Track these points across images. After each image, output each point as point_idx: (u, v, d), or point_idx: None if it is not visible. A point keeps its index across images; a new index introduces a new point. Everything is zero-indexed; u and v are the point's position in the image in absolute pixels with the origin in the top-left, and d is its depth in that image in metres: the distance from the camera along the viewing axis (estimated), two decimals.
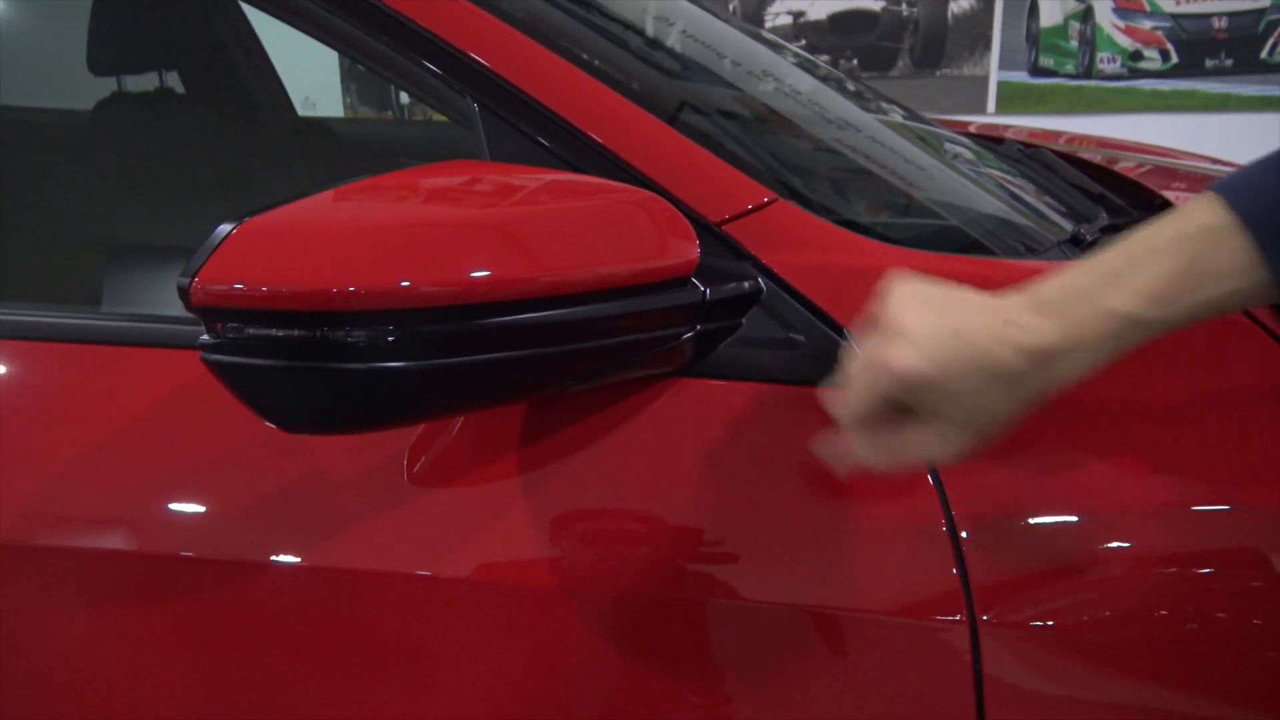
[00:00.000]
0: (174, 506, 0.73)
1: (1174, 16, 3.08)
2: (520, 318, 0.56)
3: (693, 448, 0.69)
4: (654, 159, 0.74)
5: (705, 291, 0.67)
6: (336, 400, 0.54)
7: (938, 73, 3.23)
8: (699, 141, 0.76)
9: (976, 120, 3.25)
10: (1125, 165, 1.54)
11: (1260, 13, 3.05)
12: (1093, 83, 3.17)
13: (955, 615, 0.64)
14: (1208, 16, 3.07)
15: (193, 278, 0.51)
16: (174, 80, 1.95)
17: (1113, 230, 0.99)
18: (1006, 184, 1.12)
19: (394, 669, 0.71)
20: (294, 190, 0.56)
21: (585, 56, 0.79)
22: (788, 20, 3.25)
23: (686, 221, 0.66)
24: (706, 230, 0.71)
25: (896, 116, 1.25)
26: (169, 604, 0.72)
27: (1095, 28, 3.12)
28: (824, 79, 1.24)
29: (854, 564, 0.68)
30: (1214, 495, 0.65)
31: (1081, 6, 3.11)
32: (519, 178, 0.63)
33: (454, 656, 0.70)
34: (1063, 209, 1.11)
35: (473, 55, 0.74)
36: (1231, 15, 3.06)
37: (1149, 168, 1.57)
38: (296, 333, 0.51)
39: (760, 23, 3.25)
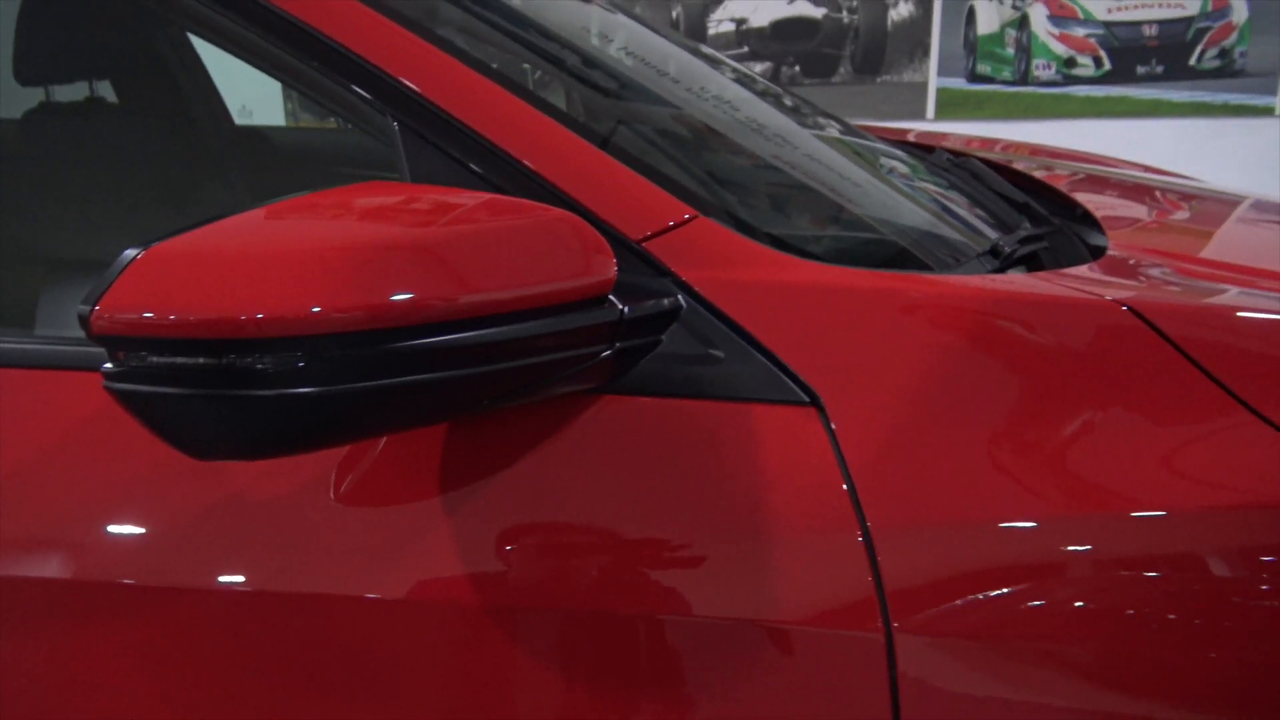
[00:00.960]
0: (101, 531, 0.72)
1: (1106, 24, 3.16)
2: (432, 340, 0.56)
3: (613, 463, 0.69)
4: (573, 176, 0.74)
5: (623, 309, 0.67)
6: (246, 427, 0.53)
7: (878, 79, 3.28)
8: (622, 159, 0.77)
9: (916, 126, 3.30)
10: (1058, 174, 1.57)
11: (1189, 21, 3.13)
12: (1029, 89, 3.24)
13: (871, 622, 0.65)
14: (1139, 24, 3.15)
15: (93, 305, 0.50)
16: (105, 89, 1.92)
17: (1032, 240, 1.02)
18: (936, 196, 1.14)
19: (329, 689, 0.71)
20: (229, 202, 0.55)
21: (505, 73, 0.80)
22: (730, 27, 3.28)
23: (603, 239, 0.66)
24: (626, 247, 0.72)
25: (833, 131, 1.27)
26: (96, 629, 0.71)
27: (1031, 35, 3.18)
28: (760, 94, 1.26)
29: (773, 574, 0.69)
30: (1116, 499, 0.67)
31: (1018, 14, 3.18)
32: (433, 198, 0.63)
33: (386, 675, 0.70)
34: (989, 219, 1.13)
35: (392, 74, 0.74)
36: (1161, 23, 3.14)
37: (1081, 176, 1.60)
38: (201, 360, 0.51)
39: (703, 30, 3.28)
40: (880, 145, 1.32)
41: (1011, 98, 3.25)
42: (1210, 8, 3.11)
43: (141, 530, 0.72)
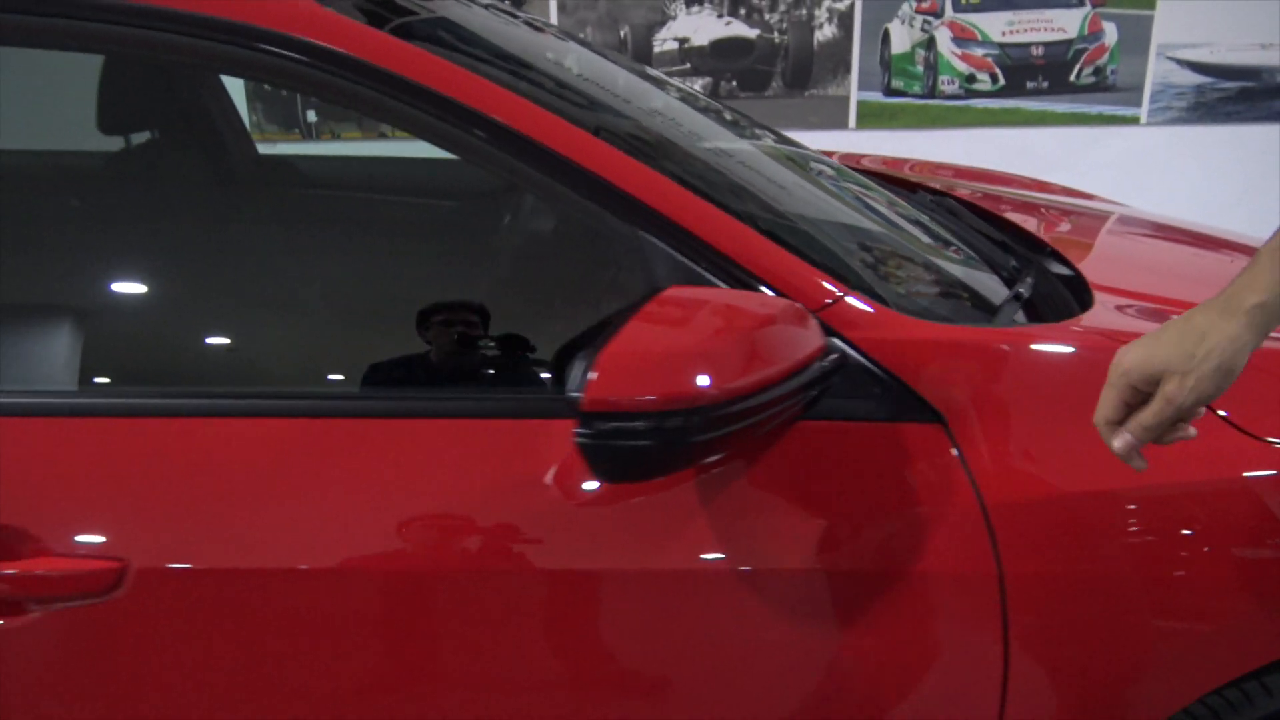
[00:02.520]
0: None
1: (1001, 45, 3.60)
2: (746, 403, 0.89)
3: (816, 463, 1.04)
4: (767, 267, 1.06)
5: (828, 365, 1.01)
6: (650, 463, 0.86)
7: (806, 93, 3.65)
8: (791, 250, 1.09)
9: (839, 135, 3.69)
10: (961, 191, 1.96)
11: (1069, 43, 3.61)
12: (936, 101, 3.67)
13: (988, 565, 1.01)
14: (1027, 45, 3.61)
15: (582, 395, 0.81)
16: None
17: (1042, 282, 1.37)
18: (957, 244, 1.50)
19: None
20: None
21: (709, 188, 1.11)
22: (674, 46, 3.60)
23: (816, 322, 0.99)
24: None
25: (880, 197, 1.61)
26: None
27: (937, 55, 3.60)
28: (839, 177, 1.59)
29: (915, 535, 1.04)
30: None
31: (926, 36, 3.59)
32: (722, 301, 0.95)
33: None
34: (987, 259, 1.49)
35: (642, 199, 1.05)
36: (1047, 45, 3.61)
37: (980, 195, 2.00)
38: (634, 424, 0.82)
39: (649, 48, 3.58)
40: (906, 206, 1.65)
41: (921, 109, 3.68)
42: (1087, 31, 3.59)
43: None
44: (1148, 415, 0.87)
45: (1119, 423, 0.89)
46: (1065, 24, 3.58)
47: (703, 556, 1.01)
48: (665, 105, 1.52)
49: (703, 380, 0.83)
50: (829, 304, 1.07)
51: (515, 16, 1.65)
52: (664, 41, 3.59)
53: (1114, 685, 1.08)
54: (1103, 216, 1.95)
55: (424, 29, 1.21)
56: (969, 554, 1.03)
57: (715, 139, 1.47)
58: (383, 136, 3.71)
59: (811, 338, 0.98)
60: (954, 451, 1.05)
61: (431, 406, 1.06)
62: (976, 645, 1.06)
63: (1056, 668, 1.06)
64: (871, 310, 1.08)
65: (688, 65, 3.60)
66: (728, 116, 1.65)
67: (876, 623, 1.05)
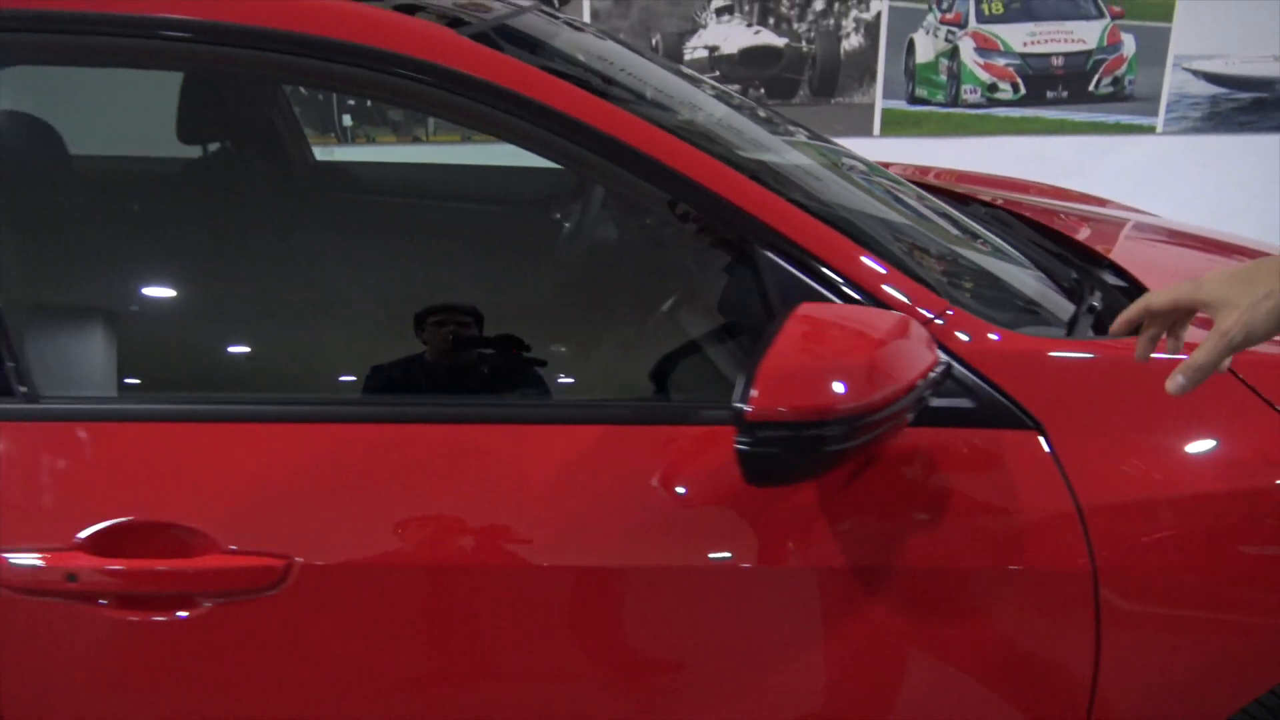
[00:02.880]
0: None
1: (1022, 55, 3.70)
2: (883, 413, 0.97)
3: (926, 465, 1.12)
4: (876, 282, 1.14)
5: (942, 371, 1.09)
6: (799, 467, 0.94)
7: (832, 101, 3.74)
8: (903, 269, 1.17)
9: (864, 142, 3.78)
10: (984, 197, 2.05)
11: (1089, 53, 3.70)
12: (958, 110, 3.76)
13: (1082, 559, 1.09)
14: (1048, 56, 3.70)
15: (745, 407, 0.89)
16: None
17: (1111, 297, 1.45)
18: (1025, 257, 1.58)
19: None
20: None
21: (825, 209, 1.19)
22: (704, 54, 3.68)
23: (932, 340, 1.07)
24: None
25: (947, 210, 1.69)
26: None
27: (960, 64, 3.69)
28: (892, 188, 1.67)
29: (1015, 531, 1.11)
30: None
31: (950, 46, 3.68)
32: (858, 317, 1.03)
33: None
34: (1047, 270, 1.57)
35: (768, 223, 1.13)
36: (1066, 55, 3.70)
37: (1036, 208, 2.08)
38: (788, 434, 0.90)
39: (680, 56, 3.66)
40: (963, 218, 1.74)
41: (944, 117, 3.77)
42: (1106, 43, 3.69)
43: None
44: (1200, 355, 0.96)
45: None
46: (1085, 35, 3.67)
47: (821, 556, 1.10)
48: (759, 130, 1.60)
49: (849, 393, 0.91)
50: (935, 318, 1.15)
51: (633, 50, 1.73)
52: (694, 49, 3.67)
53: (1194, 678, 1.16)
54: (1146, 226, 2.03)
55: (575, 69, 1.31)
56: (1065, 552, 1.12)
57: (805, 159, 1.55)
58: (417, 141, 3.78)
59: (929, 351, 1.06)
60: (1051, 457, 1.13)
61: (563, 414, 1.15)
62: (1070, 638, 1.14)
63: (1144, 660, 1.14)
64: (972, 323, 1.16)
65: (717, 73, 3.68)
66: (803, 136, 1.73)
67: (980, 616, 1.13)
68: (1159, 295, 1.03)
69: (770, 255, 1.13)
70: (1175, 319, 1.06)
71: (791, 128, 1.79)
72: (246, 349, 1.25)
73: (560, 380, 1.35)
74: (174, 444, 1.09)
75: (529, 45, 1.36)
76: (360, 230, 1.98)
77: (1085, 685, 1.15)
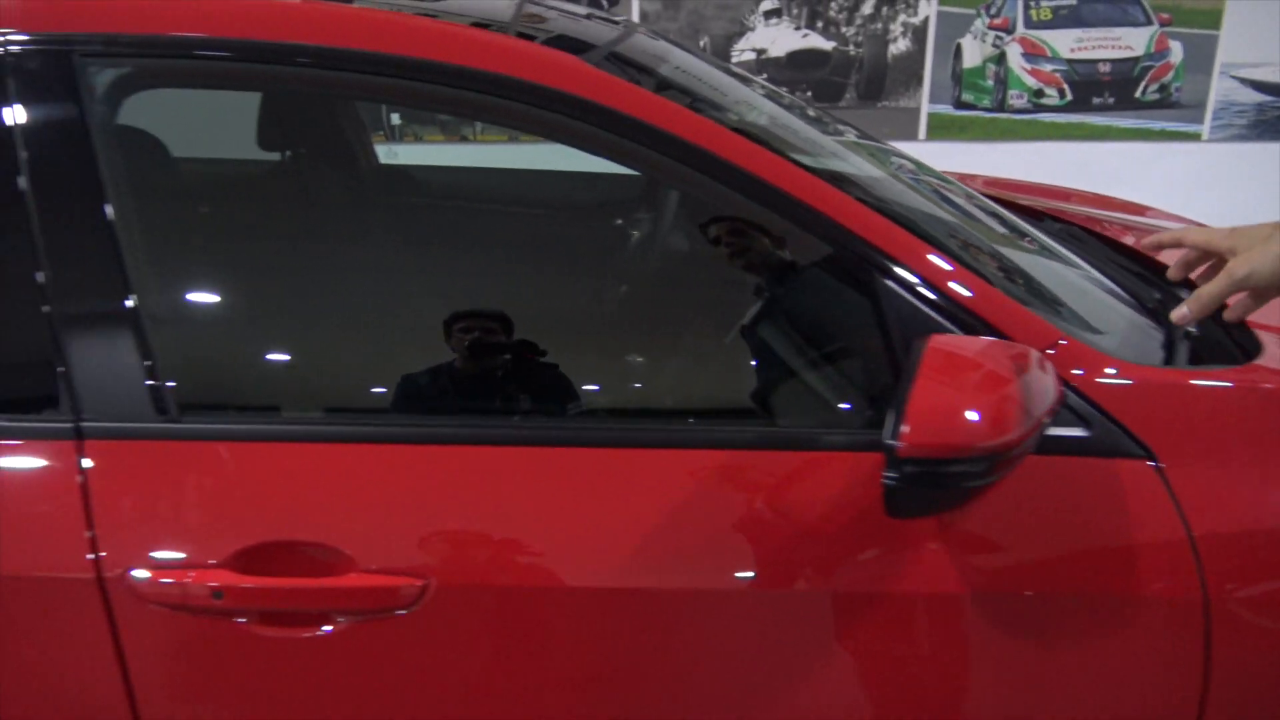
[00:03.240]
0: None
1: (1069, 61, 3.70)
2: (1019, 449, 0.99)
3: (1042, 492, 1.14)
4: (996, 313, 1.17)
5: (1062, 404, 1.11)
6: (934, 501, 0.97)
7: (879, 104, 3.75)
8: (1011, 294, 1.20)
9: (910, 145, 3.79)
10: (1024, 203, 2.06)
11: (1136, 60, 3.70)
12: (1004, 115, 3.77)
13: (1194, 588, 1.11)
14: (1095, 62, 3.70)
15: (897, 444, 0.92)
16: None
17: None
18: (1112, 281, 1.59)
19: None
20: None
21: (936, 236, 1.21)
22: (752, 56, 3.69)
23: (1056, 373, 1.10)
24: None
25: (1032, 230, 1.70)
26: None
27: (1007, 70, 3.70)
28: (1019, 229, 1.68)
29: (1126, 555, 1.14)
30: None
31: (996, 51, 3.69)
32: (990, 353, 1.05)
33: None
34: (1129, 292, 1.58)
35: (880, 247, 1.15)
36: (1113, 62, 3.70)
37: (1110, 224, 2.09)
38: (933, 470, 0.93)
39: (728, 58, 3.67)
40: (1042, 236, 1.75)
41: (990, 122, 3.78)
42: (1153, 50, 3.69)
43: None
44: (1208, 289, 1.18)
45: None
46: (1132, 42, 3.67)
47: (939, 582, 1.12)
48: (848, 148, 1.61)
49: (994, 430, 0.94)
50: (1051, 350, 1.17)
51: (739, 75, 1.74)
52: (742, 52, 3.68)
53: None
54: None
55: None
56: (1177, 580, 1.14)
57: (903, 183, 1.57)
58: (464, 140, 3.80)
59: (1056, 384, 1.08)
60: (1164, 486, 1.15)
61: (687, 437, 1.18)
62: (1179, 667, 1.16)
63: (1253, 690, 1.16)
64: (1084, 353, 1.19)
65: (764, 75, 3.69)
66: (894, 159, 1.75)
67: (1090, 643, 1.15)
68: (1197, 232, 1.26)
69: (889, 284, 1.16)
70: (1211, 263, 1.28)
71: (872, 143, 1.81)
72: (382, 370, 1.28)
73: (673, 404, 1.37)
74: (315, 464, 1.12)
75: (646, 71, 1.38)
76: (454, 244, 2.01)
77: (1192, 715, 1.17)
